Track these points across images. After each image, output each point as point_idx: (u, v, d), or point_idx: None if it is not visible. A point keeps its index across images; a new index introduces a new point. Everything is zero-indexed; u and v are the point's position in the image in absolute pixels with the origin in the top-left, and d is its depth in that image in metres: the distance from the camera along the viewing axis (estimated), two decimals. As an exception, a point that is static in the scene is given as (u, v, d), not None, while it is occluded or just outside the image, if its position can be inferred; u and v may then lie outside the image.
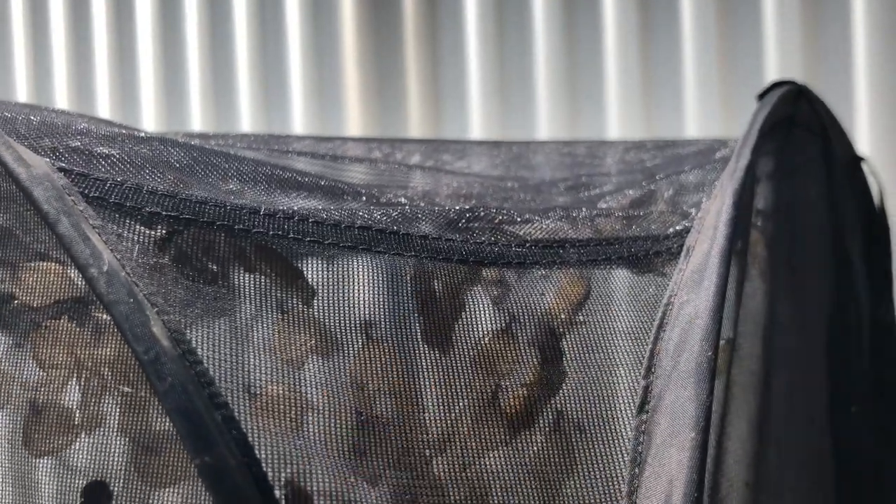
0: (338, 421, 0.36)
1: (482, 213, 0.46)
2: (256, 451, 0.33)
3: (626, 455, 0.37)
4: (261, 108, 1.38)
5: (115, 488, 0.37)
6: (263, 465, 0.32)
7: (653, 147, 0.76)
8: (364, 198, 0.50)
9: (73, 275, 0.40)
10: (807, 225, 0.70)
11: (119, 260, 0.35)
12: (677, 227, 0.48)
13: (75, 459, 0.38)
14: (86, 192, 0.38)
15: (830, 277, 0.73)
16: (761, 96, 0.62)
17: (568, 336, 0.43)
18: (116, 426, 0.37)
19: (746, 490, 0.51)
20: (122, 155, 0.44)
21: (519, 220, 0.47)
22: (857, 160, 0.74)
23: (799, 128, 0.67)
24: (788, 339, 0.64)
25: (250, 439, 0.33)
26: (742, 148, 0.51)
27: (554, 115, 1.20)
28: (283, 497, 0.33)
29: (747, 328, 0.54)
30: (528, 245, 0.45)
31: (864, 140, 1.10)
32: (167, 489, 0.37)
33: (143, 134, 0.49)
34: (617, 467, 0.38)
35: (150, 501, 0.37)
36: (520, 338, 0.42)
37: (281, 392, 0.37)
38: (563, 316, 0.43)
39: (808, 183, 0.71)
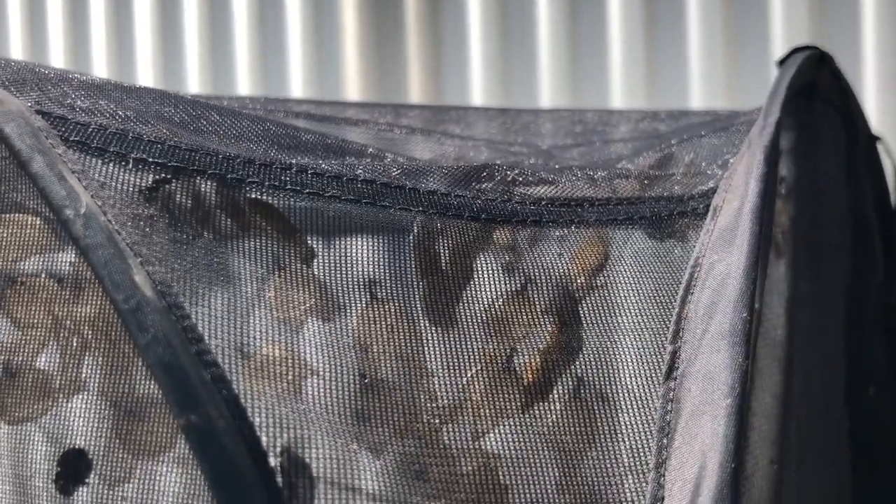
0: (339, 385, 0.33)
1: (494, 172, 0.43)
2: (249, 416, 0.30)
3: (652, 424, 0.34)
4: (259, 81, 1.35)
5: (95, 457, 0.34)
6: (257, 430, 0.29)
7: (667, 117, 0.73)
8: (368, 158, 0.47)
9: (52, 227, 0.37)
10: (827, 201, 0.67)
11: (100, 206, 0.32)
12: (702, 188, 0.45)
13: (53, 426, 0.35)
14: (65, 135, 0.35)
15: (849, 256, 0.70)
16: (781, 62, 0.59)
17: (586, 300, 0.40)
18: (97, 390, 0.34)
19: (771, 468, 0.48)
20: (109, 104, 0.41)
21: (533, 180, 0.44)
22: (873, 139, 0.71)
23: (819, 98, 0.64)
24: (808, 315, 0.61)
25: (243, 402, 0.30)
26: (770, 105, 0.47)
27: (555, 92, 1.17)
28: (278, 466, 0.30)
29: (772, 298, 0.51)
30: (544, 203, 0.42)
31: (872, 121, 1.07)
32: (152, 458, 0.34)
33: (135, 86, 0.46)
34: (643, 437, 0.35)
35: (134, 471, 0.34)
36: (535, 301, 0.39)
37: (277, 353, 0.34)
38: (581, 279, 0.40)
39: (829, 158, 0.68)
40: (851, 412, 0.66)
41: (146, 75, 1.45)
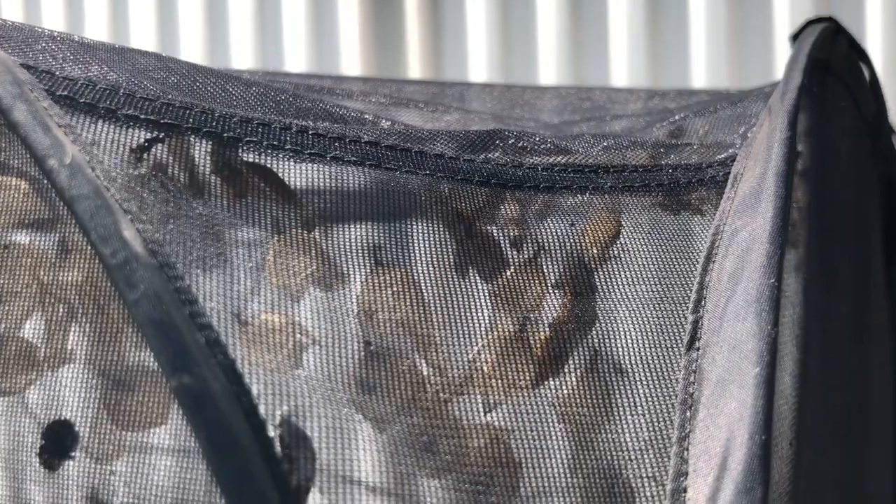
0: (343, 354, 0.31)
1: (504, 138, 0.41)
2: (248, 382, 0.28)
3: (673, 397, 0.32)
4: (256, 61, 1.33)
5: (83, 430, 0.32)
6: (258, 397, 0.27)
7: (676, 95, 0.71)
8: (370, 124, 0.45)
9: (37, 188, 0.35)
10: (839, 183, 0.66)
11: (87, 160, 0.30)
12: (720, 156, 0.43)
13: (38, 398, 0.33)
14: (52, 90, 0.33)
15: (856, 245, 0.68)
16: (795, 36, 0.57)
17: (601, 269, 0.38)
18: (84, 360, 0.32)
19: (790, 450, 0.46)
20: (100, 64, 0.39)
21: (544, 148, 0.42)
22: (885, 125, 0.69)
23: (833, 75, 0.62)
24: (820, 296, 0.59)
25: (240, 369, 0.28)
26: (791, 71, 0.46)
27: (557, 72, 1.15)
28: (277, 437, 0.28)
29: (789, 274, 0.49)
30: (556, 169, 0.40)
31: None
32: (143, 432, 0.32)
33: (128, 48, 0.44)
34: (663, 410, 0.33)
35: (124, 445, 0.32)
36: (548, 269, 0.37)
37: (276, 320, 0.32)
38: (595, 248, 0.38)
39: (842, 138, 0.66)
40: (858, 398, 0.64)
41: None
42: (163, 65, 0.42)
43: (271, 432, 0.28)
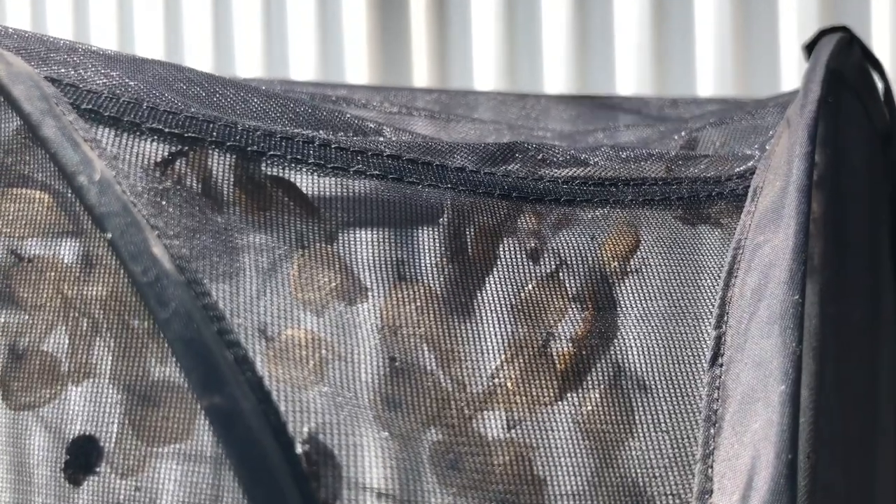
0: (367, 370, 0.31)
1: (523, 151, 0.41)
2: (276, 399, 0.28)
3: (697, 414, 0.32)
4: (262, 68, 1.33)
5: (107, 445, 0.32)
6: (286, 414, 0.28)
7: (689, 103, 0.71)
8: (391, 134, 0.45)
9: (60, 202, 0.35)
10: (853, 194, 0.66)
11: (114, 175, 0.30)
12: (739, 169, 0.43)
13: (61, 413, 0.33)
14: (77, 103, 0.33)
15: (868, 255, 0.68)
16: (809, 46, 0.57)
17: (622, 283, 0.38)
18: (109, 374, 0.32)
19: (808, 463, 0.46)
20: (121, 75, 0.39)
21: (563, 160, 0.42)
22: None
23: (846, 86, 0.62)
24: (835, 307, 0.59)
25: (267, 386, 0.28)
26: (809, 82, 0.46)
27: (563, 80, 1.15)
28: (303, 454, 0.28)
29: (807, 286, 0.49)
30: (576, 182, 0.40)
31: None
32: (167, 447, 0.32)
33: (148, 59, 0.44)
34: (687, 427, 0.33)
35: (148, 461, 0.32)
36: (569, 284, 0.37)
37: (301, 336, 0.32)
38: (615, 262, 0.38)
39: (856, 148, 0.66)
40: (881, 409, 0.64)
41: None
42: (182, 76, 0.42)
43: (298, 449, 0.28)
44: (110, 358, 0.33)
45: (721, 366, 0.32)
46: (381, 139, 0.42)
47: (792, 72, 1.09)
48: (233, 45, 1.37)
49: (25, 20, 1.52)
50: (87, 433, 0.32)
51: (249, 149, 0.34)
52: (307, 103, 0.46)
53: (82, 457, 0.30)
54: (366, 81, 1.23)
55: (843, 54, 0.58)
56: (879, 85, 0.65)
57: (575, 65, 1.16)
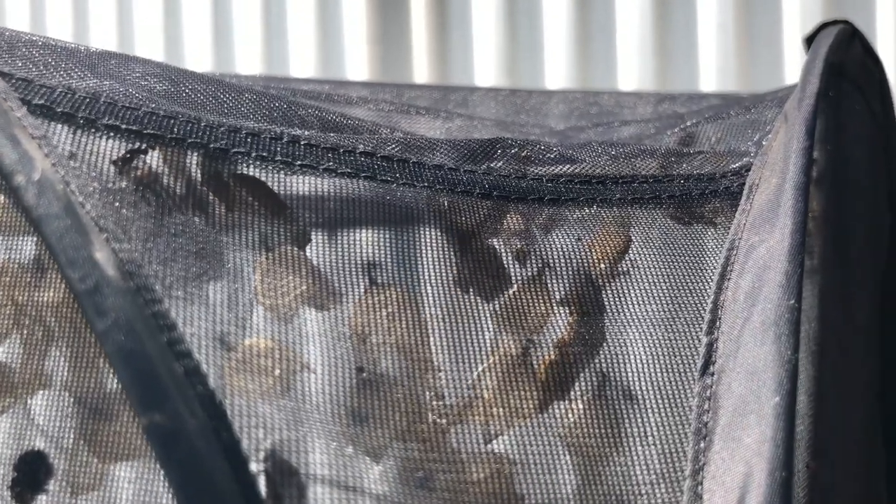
0: (334, 381, 0.30)
1: (507, 147, 0.39)
2: (230, 414, 0.26)
3: (686, 426, 0.30)
4: (261, 65, 1.31)
5: (58, 461, 0.30)
6: (238, 431, 0.26)
7: (686, 99, 0.69)
8: (368, 133, 0.43)
9: (14, 202, 0.33)
10: (855, 191, 0.63)
11: (62, 175, 0.28)
12: (734, 166, 0.41)
13: (13, 426, 0.31)
14: (27, 98, 0.31)
15: (870, 255, 0.66)
16: (809, 39, 0.55)
17: (609, 287, 0.36)
18: (62, 386, 0.31)
19: (807, 473, 0.44)
20: (82, 69, 0.37)
21: (550, 157, 0.40)
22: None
23: (848, 80, 0.60)
24: (836, 309, 0.57)
25: (221, 399, 0.26)
26: (807, 76, 0.44)
27: (563, 76, 1.13)
28: (262, 472, 0.26)
29: (805, 288, 0.47)
30: (562, 181, 0.38)
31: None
32: (123, 463, 0.30)
33: (113, 52, 0.42)
34: (675, 440, 0.31)
35: (104, 479, 0.30)
36: (553, 288, 0.35)
37: (264, 345, 0.30)
38: (602, 265, 0.36)
39: (858, 145, 0.64)
40: (885, 412, 0.62)
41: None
42: (150, 70, 0.40)
43: (255, 467, 0.26)
44: (65, 368, 0.31)
45: (712, 375, 0.30)
46: (360, 136, 0.40)
47: (795, 68, 1.07)
48: (233, 43, 1.36)
49: (24, 17, 1.51)
50: (37, 449, 0.30)
51: (213, 146, 0.33)
52: (284, 99, 0.44)
53: (30, 474, 0.28)
54: (366, 80, 1.21)
55: (844, 47, 0.56)
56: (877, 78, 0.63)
57: (576, 62, 1.14)
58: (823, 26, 0.55)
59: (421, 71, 1.20)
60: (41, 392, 0.32)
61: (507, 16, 1.17)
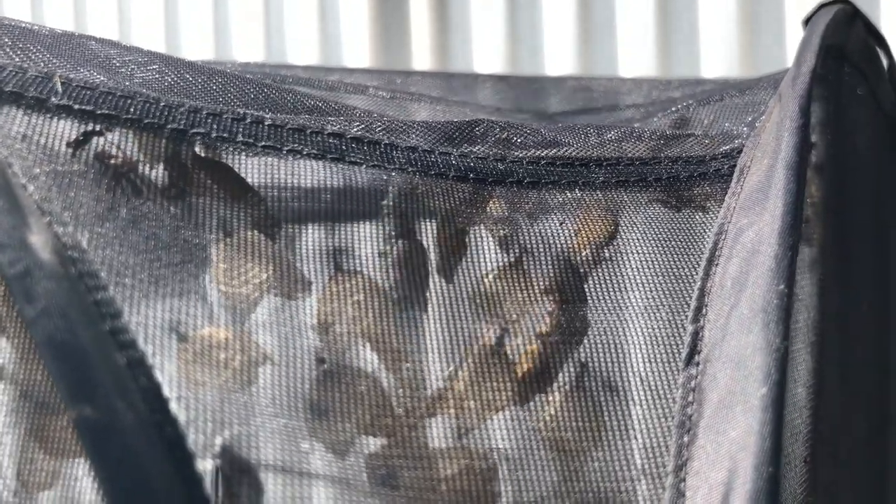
0: (295, 372, 0.28)
1: (487, 130, 0.37)
2: (176, 408, 0.24)
3: (670, 419, 0.29)
4: (259, 53, 1.30)
5: (2, 459, 0.28)
6: (185, 426, 0.24)
7: (681, 85, 0.67)
8: (344, 115, 0.41)
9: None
10: (856, 177, 0.62)
11: (4, 155, 0.26)
12: (725, 148, 0.39)
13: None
14: (-29, 77, 0.30)
15: (875, 243, 0.64)
16: (808, 20, 0.53)
17: (592, 274, 0.34)
18: (9, 378, 0.29)
19: (805, 468, 0.42)
20: (40, 49, 0.35)
21: (532, 140, 0.39)
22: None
23: (848, 63, 0.58)
24: (837, 298, 0.55)
25: (170, 392, 0.24)
26: (803, 54, 0.42)
27: (563, 64, 1.11)
28: (214, 469, 0.25)
29: (803, 276, 0.45)
30: (543, 163, 0.36)
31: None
32: (76, 460, 0.28)
33: (77, 34, 0.41)
34: (658, 434, 0.29)
35: (56, 477, 0.28)
36: (533, 275, 0.33)
37: (221, 335, 0.28)
38: (585, 251, 0.35)
39: (859, 129, 0.62)
40: (888, 405, 0.60)
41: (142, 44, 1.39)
42: (118, 52, 0.38)
43: (204, 464, 0.24)
44: (12, 360, 0.29)
45: (697, 365, 0.29)
46: (331, 118, 0.38)
47: (797, 56, 1.05)
48: (230, 30, 1.34)
49: (25, 9, 1.50)
50: (-19, 446, 0.28)
51: (171, 126, 0.31)
52: (257, 83, 0.43)
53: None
54: (363, 63, 1.20)
55: (844, 28, 0.54)
56: (885, 62, 0.61)
57: (577, 52, 1.12)
58: (822, 6, 0.54)
59: (421, 60, 1.18)
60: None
61: (508, 5, 1.15)
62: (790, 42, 1.07)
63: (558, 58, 1.12)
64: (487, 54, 1.14)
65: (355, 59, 1.23)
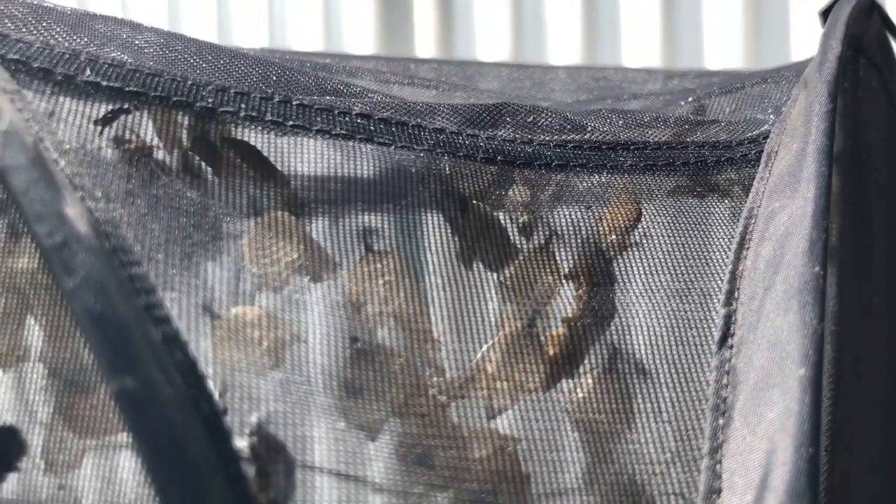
0: (327, 352, 0.28)
1: (513, 113, 0.37)
2: (212, 385, 0.24)
3: (704, 401, 0.29)
4: (261, 41, 1.29)
5: (32, 437, 0.28)
6: (221, 402, 0.24)
7: (696, 76, 0.67)
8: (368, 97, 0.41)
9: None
10: (871, 170, 0.61)
11: (35, 130, 0.26)
12: (750, 134, 0.39)
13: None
14: (2, 53, 0.30)
15: (890, 235, 0.64)
16: (825, 13, 0.53)
17: (620, 258, 0.34)
18: (37, 357, 0.29)
19: (826, 457, 0.42)
20: (63, 27, 0.35)
21: (558, 124, 0.38)
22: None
23: (864, 56, 0.57)
24: (855, 289, 0.55)
25: (203, 369, 0.24)
26: (828, 41, 0.41)
27: (568, 54, 1.11)
28: (248, 447, 0.24)
29: (826, 263, 0.45)
30: (570, 146, 0.36)
31: None
32: (101, 439, 0.28)
33: (97, 14, 0.40)
34: (692, 417, 0.29)
35: (80, 456, 0.28)
36: (561, 258, 0.33)
37: (253, 314, 0.28)
38: (614, 235, 0.34)
39: (874, 123, 0.61)
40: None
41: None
42: (138, 33, 0.38)
43: (240, 442, 0.24)
44: (41, 339, 0.29)
45: (731, 347, 0.28)
46: (357, 99, 0.38)
47: (802, 52, 1.05)
48: (233, 23, 1.34)
49: None
50: (9, 424, 0.28)
51: (199, 105, 0.31)
52: (279, 65, 0.42)
53: (1, 451, 0.27)
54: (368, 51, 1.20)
55: (863, 20, 0.54)
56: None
57: (582, 43, 1.12)
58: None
59: (425, 50, 1.18)
60: (18, 365, 0.30)
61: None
62: (794, 34, 1.07)
63: (563, 49, 1.12)
64: (492, 46, 1.14)
65: (359, 51, 1.23)
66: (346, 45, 1.25)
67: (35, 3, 0.37)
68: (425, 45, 1.18)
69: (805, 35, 1.04)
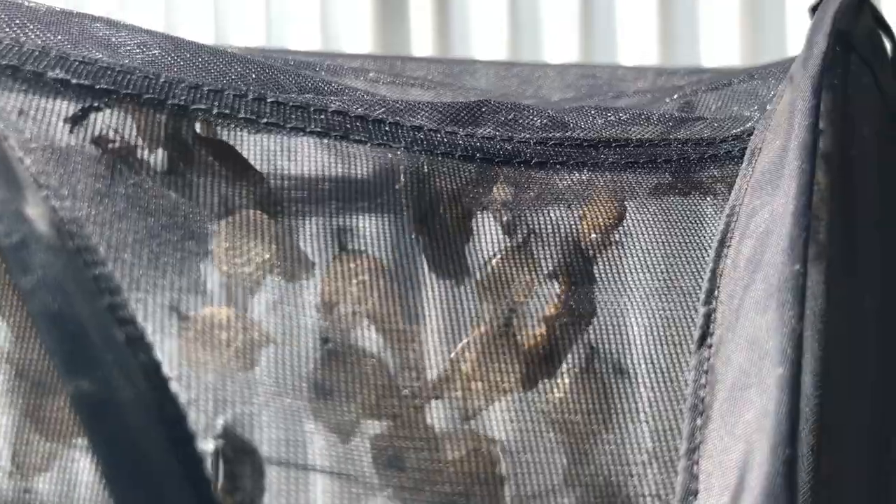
0: (298, 353, 0.27)
1: (494, 111, 0.37)
2: (177, 387, 0.23)
3: (682, 401, 0.28)
4: (259, 37, 1.29)
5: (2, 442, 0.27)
6: (186, 405, 0.23)
7: (686, 73, 0.66)
8: (347, 95, 0.41)
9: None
10: (861, 167, 0.61)
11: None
12: (736, 130, 0.39)
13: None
14: (-32, 50, 0.29)
15: (881, 234, 0.63)
16: (814, 8, 0.53)
17: (601, 257, 0.33)
18: (3, 358, 0.28)
19: (812, 457, 0.42)
20: (36, 25, 0.34)
21: (539, 122, 0.38)
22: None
23: (854, 52, 0.57)
24: (843, 287, 0.54)
25: (171, 371, 0.24)
26: (814, 36, 0.41)
27: (563, 51, 1.10)
28: (216, 450, 0.24)
29: (812, 264, 0.45)
30: (551, 143, 0.35)
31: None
32: (69, 442, 0.28)
33: (75, 12, 0.40)
34: (669, 417, 0.28)
35: (50, 460, 0.28)
36: (540, 256, 0.33)
37: (223, 314, 0.27)
38: (594, 233, 0.34)
39: (865, 120, 0.61)
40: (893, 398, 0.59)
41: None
42: (115, 31, 0.38)
43: (206, 445, 0.23)
44: (6, 338, 0.29)
45: (710, 347, 0.28)
46: (334, 97, 0.37)
47: (799, 49, 1.04)
48: (229, 20, 1.33)
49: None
50: (-24, 427, 0.27)
51: (171, 102, 0.30)
52: (259, 63, 0.42)
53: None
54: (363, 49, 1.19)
55: (852, 16, 0.53)
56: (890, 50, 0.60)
57: (577, 41, 1.11)
58: (827, -8, 0.53)
59: (421, 48, 1.17)
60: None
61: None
62: (791, 31, 1.07)
63: (559, 48, 1.11)
64: (488, 42, 1.13)
65: (355, 48, 1.22)
66: (342, 45, 1.24)
67: (13, 2, 0.37)
68: (422, 44, 1.18)
69: (802, 34, 1.04)
